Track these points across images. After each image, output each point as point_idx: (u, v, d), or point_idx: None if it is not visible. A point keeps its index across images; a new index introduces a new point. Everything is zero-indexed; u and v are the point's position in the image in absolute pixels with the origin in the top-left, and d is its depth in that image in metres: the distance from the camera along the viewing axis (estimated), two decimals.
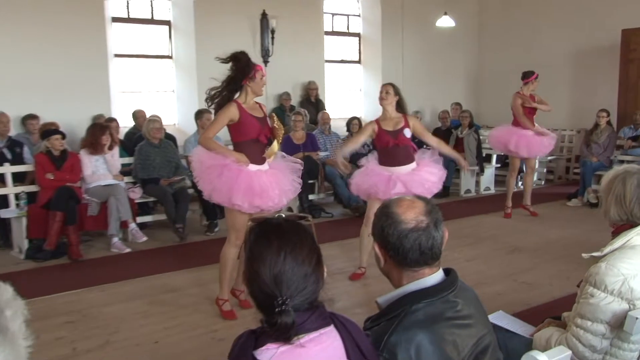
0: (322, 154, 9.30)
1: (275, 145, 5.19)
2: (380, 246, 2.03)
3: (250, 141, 5.00)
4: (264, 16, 11.00)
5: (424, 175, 5.75)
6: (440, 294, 1.96)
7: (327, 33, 12.39)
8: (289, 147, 9.13)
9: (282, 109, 11.02)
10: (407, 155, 5.79)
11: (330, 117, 10.16)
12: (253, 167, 4.93)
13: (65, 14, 9.09)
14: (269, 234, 1.70)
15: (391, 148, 5.72)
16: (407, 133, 5.73)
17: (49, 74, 8.79)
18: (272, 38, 11.09)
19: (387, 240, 1.99)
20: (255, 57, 10.88)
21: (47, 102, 8.69)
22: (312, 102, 11.44)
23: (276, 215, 1.78)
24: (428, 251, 1.97)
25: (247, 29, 11.01)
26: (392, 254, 1.99)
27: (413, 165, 5.79)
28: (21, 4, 8.72)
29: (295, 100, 11.44)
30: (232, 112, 4.96)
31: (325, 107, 11.33)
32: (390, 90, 5.78)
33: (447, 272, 2.06)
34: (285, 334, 1.61)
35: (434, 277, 2.01)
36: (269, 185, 4.94)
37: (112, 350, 4.47)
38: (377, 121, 5.85)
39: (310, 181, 9.08)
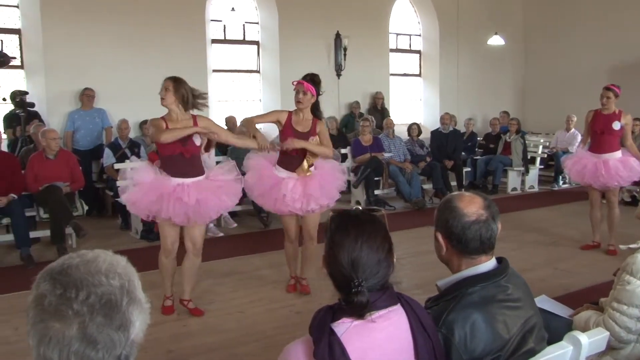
0: (386, 154, 9.24)
1: (304, 163, 4.78)
2: (443, 236, 2.00)
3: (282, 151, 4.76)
4: (337, 36, 11.04)
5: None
6: (493, 279, 1.93)
7: (392, 50, 12.31)
8: (357, 149, 9.13)
9: (352, 116, 11.04)
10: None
11: (394, 122, 10.08)
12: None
13: (175, 37, 9.40)
14: (348, 224, 1.71)
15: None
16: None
17: (160, 87, 9.05)
18: (345, 55, 11.10)
19: (451, 231, 1.96)
20: (330, 72, 11.08)
21: (158, 110, 8.91)
22: (378, 109, 11.38)
23: (354, 208, 1.78)
24: (487, 241, 1.95)
25: (323, 47, 11.07)
26: (455, 243, 1.96)
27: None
28: (141, 31, 9.08)
29: (363, 108, 11.42)
30: (281, 115, 4.81)
31: (390, 114, 11.26)
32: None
33: (499, 260, 2.02)
34: (360, 311, 1.61)
35: (488, 264, 1.98)
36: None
37: (208, 318, 4.57)
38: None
39: (376, 178, 9.03)
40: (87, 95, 8.65)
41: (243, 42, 10.86)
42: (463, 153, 10.35)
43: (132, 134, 8.61)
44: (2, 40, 7.91)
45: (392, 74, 12.34)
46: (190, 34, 9.67)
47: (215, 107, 10.36)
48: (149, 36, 9.13)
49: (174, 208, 4.29)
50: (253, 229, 7.63)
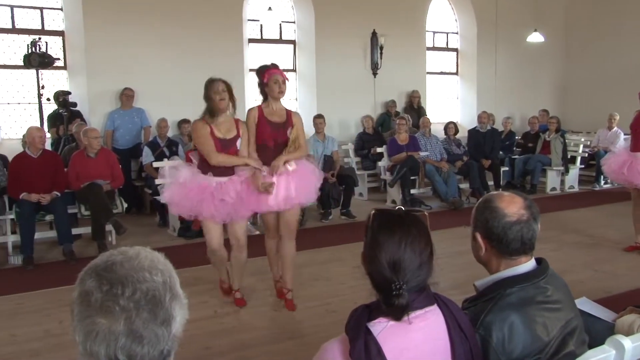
0: (422, 153, 9.17)
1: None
2: (483, 236, 1.96)
3: (260, 146, 4.56)
4: (374, 35, 11.00)
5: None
6: (532, 280, 1.89)
7: (428, 48, 12.21)
8: (393, 148, 9.08)
9: (389, 115, 10.98)
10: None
11: (430, 121, 9.99)
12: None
13: (213, 37, 9.51)
14: (392, 224, 1.68)
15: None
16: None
17: (198, 87, 9.12)
18: (381, 53, 11.06)
19: (492, 232, 1.93)
20: (366, 70, 11.06)
21: (196, 109, 8.97)
22: (415, 108, 11.29)
23: (396, 208, 1.76)
24: (528, 242, 1.92)
25: (359, 46, 11.04)
26: (495, 243, 1.94)
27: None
28: (178, 32, 9.18)
29: (399, 106, 11.34)
30: (252, 116, 4.58)
31: (426, 113, 11.17)
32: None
33: (538, 261, 1.98)
34: (399, 314, 1.60)
35: (527, 265, 1.94)
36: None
37: (245, 315, 4.62)
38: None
39: (412, 177, 8.97)
40: (126, 95, 8.81)
41: (279, 41, 10.91)
42: (501, 152, 10.20)
43: (170, 132, 8.73)
44: (46, 42, 8.12)
45: (428, 73, 12.23)
46: (227, 34, 9.77)
47: (252, 106, 10.42)
48: (187, 36, 9.25)
49: (216, 207, 4.35)
50: None
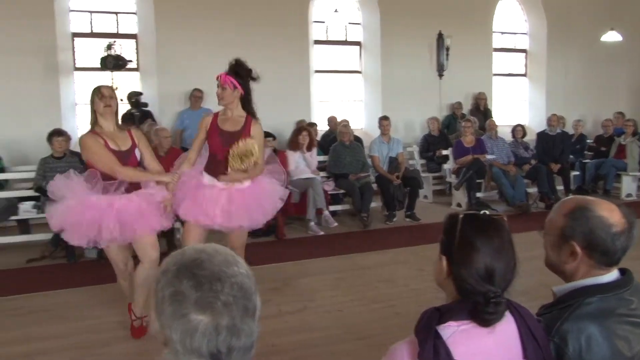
0: (489, 156, 8.99)
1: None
2: (583, 246, 1.81)
3: (210, 155, 4.22)
4: (440, 36, 10.88)
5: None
6: (614, 290, 1.79)
7: (495, 49, 11.96)
8: (459, 151, 8.96)
9: (454, 117, 10.84)
10: None
11: (497, 124, 9.79)
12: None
13: (279, 39, 9.61)
14: (488, 229, 1.65)
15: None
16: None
17: (264, 87, 9.22)
18: (447, 55, 10.92)
19: (597, 242, 1.79)
20: (431, 72, 10.95)
21: (262, 109, 9.09)
22: (481, 110, 11.10)
23: (482, 212, 1.72)
24: (626, 251, 1.82)
25: (425, 47, 10.95)
26: (598, 254, 1.80)
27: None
28: (246, 34, 9.31)
29: (465, 109, 11.17)
30: (205, 122, 4.26)
31: (492, 115, 10.95)
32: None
33: (622, 271, 1.88)
34: (491, 320, 1.58)
35: (610, 275, 1.84)
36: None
37: (308, 315, 4.63)
38: (216, 115, 4.30)
39: (478, 180, 8.83)
40: (195, 96, 9.04)
41: (345, 42, 10.94)
42: (571, 156, 9.88)
43: None
44: (121, 45, 8.46)
45: (495, 74, 11.99)
46: (293, 36, 9.88)
47: (317, 107, 10.51)
48: (254, 38, 9.39)
49: (116, 228, 3.92)
50: (353, 228, 7.68)
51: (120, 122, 4.22)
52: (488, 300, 1.57)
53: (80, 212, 3.81)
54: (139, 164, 4.16)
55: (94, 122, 3.99)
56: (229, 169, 4.07)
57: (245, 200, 4.13)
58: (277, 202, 4.35)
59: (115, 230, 3.80)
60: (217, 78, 4.17)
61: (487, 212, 1.72)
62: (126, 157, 3.99)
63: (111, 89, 4.05)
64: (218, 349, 1.15)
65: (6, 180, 7.18)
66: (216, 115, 4.26)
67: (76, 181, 3.92)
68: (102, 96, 3.93)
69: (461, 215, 1.70)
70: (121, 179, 3.89)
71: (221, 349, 1.15)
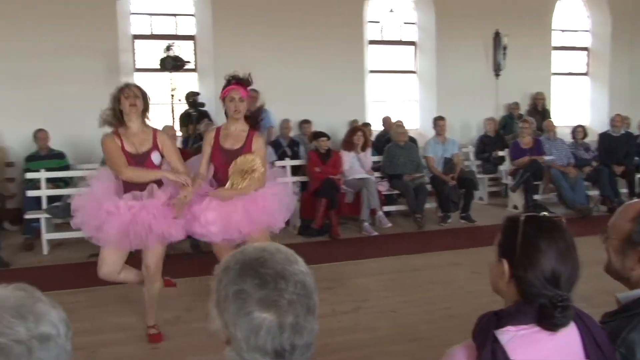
0: (547, 157, 8.77)
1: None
2: None
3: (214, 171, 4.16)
4: (496, 35, 10.68)
5: None
6: None
7: (555, 48, 11.64)
8: (516, 152, 8.78)
9: (511, 117, 10.62)
10: None
11: (556, 124, 9.54)
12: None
13: (334, 38, 9.63)
14: (552, 231, 1.61)
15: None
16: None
17: (319, 88, 9.36)
18: (504, 54, 10.71)
19: None
20: (487, 71, 10.76)
21: (317, 109, 9.27)
22: (539, 110, 10.82)
23: (542, 214, 1.68)
24: None
25: (481, 47, 10.77)
26: None
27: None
28: (301, 33, 9.40)
29: (523, 109, 10.91)
30: (208, 138, 4.15)
31: (551, 116, 10.68)
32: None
33: None
34: (561, 326, 1.55)
35: None
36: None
37: (362, 315, 4.64)
38: (218, 130, 4.18)
39: (536, 182, 8.63)
40: (251, 97, 9.15)
41: (400, 42, 10.88)
42: (636, 158, 9.53)
43: (292, 132, 8.99)
44: (179, 46, 8.68)
45: (554, 73, 11.67)
46: (348, 35, 9.88)
47: (372, 107, 10.50)
48: (309, 38, 9.46)
49: (124, 233, 3.91)
50: (407, 229, 7.64)
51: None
52: (555, 304, 1.53)
53: (97, 206, 3.84)
54: (158, 167, 4.02)
55: (118, 121, 3.89)
56: (231, 186, 3.98)
57: (241, 209, 4.01)
58: (274, 218, 4.20)
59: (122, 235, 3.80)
60: (228, 92, 4.02)
61: (547, 214, 1.68)
62: (141, 161, 3.90)
63: (138, 88, 3.93)
64: (282, 347, 1.17)
65: (71, 178, 7.44)
66: (218, 130, 4.16)
67: (100, 186, 3.96)
68: (127, 95, 3.83)
69: (522, 217, 1.65)
70: (124, 179, 3.87)
71: (285, 347, 1.17)
